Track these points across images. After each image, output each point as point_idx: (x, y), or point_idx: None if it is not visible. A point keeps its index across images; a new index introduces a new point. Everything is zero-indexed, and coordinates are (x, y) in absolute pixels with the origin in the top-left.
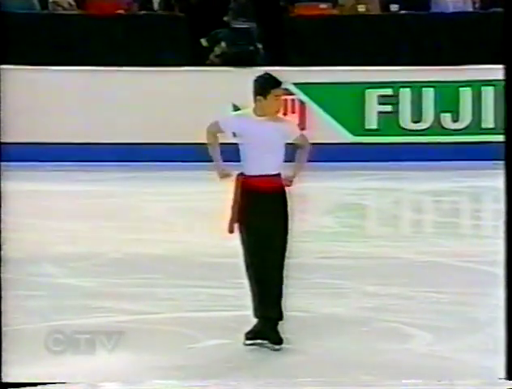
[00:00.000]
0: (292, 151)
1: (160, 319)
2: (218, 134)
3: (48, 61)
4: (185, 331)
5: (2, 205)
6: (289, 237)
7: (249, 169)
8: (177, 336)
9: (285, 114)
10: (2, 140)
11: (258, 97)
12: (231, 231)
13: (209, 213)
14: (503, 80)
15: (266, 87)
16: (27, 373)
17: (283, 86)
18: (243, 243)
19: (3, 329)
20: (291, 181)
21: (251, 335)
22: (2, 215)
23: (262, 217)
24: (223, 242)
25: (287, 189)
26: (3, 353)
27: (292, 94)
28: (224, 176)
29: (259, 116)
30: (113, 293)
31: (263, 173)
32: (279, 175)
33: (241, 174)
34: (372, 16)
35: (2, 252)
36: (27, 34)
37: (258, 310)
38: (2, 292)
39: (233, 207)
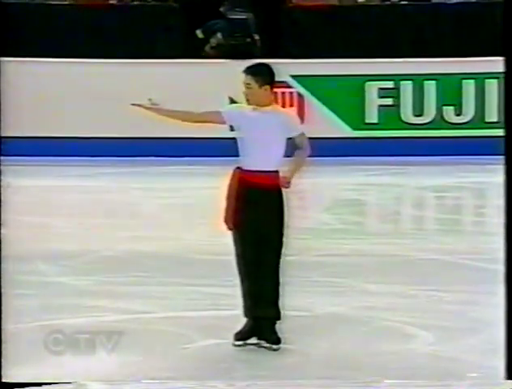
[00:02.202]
0: (291, 148)
1: (153, 319)
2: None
3: (36, 53)
4: (180, 330)
5: None
6: (285, 235)
7: (247, 164)
8: (172, 336)
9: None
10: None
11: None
12: (230, 227)
13: (204, 209)
14: (504, 72)
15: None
16: (18, 373)
17: (282, 79)
18: (236, 240)
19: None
20: (288, 183)
21: (241, 335)
22: None
23: (258, 214)
24: (218, 239)
25: (284, 190)
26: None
27: (290, 87)
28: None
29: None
30: (106, 292)
31: (261, 169)
32: (277, 172)
33: (238, 168)
34: (372, 6)
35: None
36: (16, 24)
37: (254, 310)
38: None
39: (228, 202)
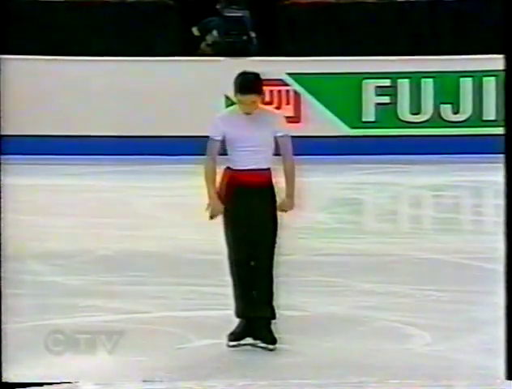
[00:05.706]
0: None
1: (149, 318)
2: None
3: (31, 50)
4: (175, 330)
5: None
6: (278, 233)
7: (236, 164)
8: (167, 336)
9: (279, 106)
10: None
11: (236, 94)
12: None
13: (199, 208)
14: (504, 70)
15: (236, 88)
16: (18, 373)
17: (278, 77)
18: (228, 240)
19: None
20: (291, 206)
21: (234, 336)
22: None
23: (249, 213)
24: (214, 239)
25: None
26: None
27: (286, 85)
28: (216, 212)
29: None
30: (102, 292)
31: (251, 168)
32: (268, 170)
33: (228, 168)
34: (369, 4)
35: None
36: (10, 21)
37: (249, 310)
38: None
39: (215, 198)
